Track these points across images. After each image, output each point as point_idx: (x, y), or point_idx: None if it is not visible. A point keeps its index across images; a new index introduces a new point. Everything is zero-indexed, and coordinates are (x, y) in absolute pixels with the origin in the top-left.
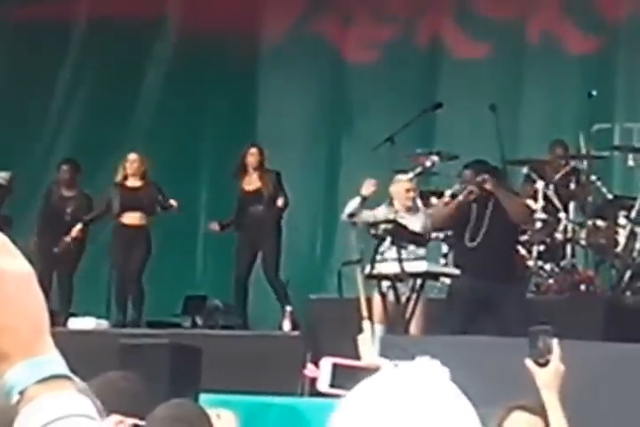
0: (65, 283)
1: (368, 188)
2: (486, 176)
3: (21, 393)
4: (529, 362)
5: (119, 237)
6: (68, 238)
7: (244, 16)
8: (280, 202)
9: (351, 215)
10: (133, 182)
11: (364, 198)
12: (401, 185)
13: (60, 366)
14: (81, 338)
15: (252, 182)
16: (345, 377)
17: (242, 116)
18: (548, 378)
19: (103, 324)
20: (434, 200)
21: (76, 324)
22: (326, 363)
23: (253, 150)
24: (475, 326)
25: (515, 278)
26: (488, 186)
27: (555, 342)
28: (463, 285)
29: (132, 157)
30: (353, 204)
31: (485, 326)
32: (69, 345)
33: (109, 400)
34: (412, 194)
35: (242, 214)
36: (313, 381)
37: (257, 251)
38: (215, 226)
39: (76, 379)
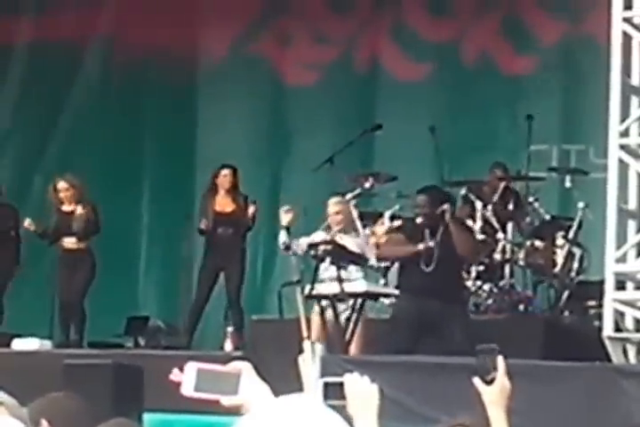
0: None
1: (285, 217)
2: (446, 207)
3: None
4: (476, 380)
5: (62, 260)
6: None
7: (182, 35)
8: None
9: (287, 248)
10: (67, 207)
11: (287, 228)
12: (331, 207)
13: None
14: (24, 359)
15: (223, 204)
16: (209, 381)
17: (182, 136)
18: (494, 395)
19: (47, 344)
20: (379, 227)
21: (19, 345)
22: (191, 367)
23: (226, 171)
24: (418, 346)
25: (461, 299)
26: (446, 217)
27: (500, 359)
28: (408, 306)
29: (61, 185)
30: (281, 237)
31: (429, 347)
32: (13, 366)
33: (54, 420)
34: (339, 217)
35: (210, 235)
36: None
37: (219, 273)
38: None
39: (13, 401)
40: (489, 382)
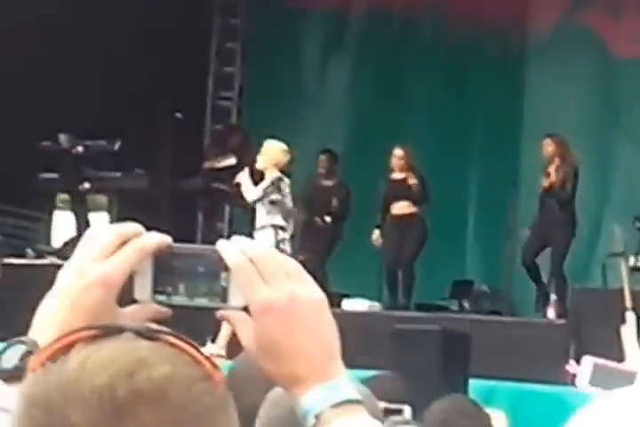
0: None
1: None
2: None
3: (317, 417)
4: None
5: (392, 225)
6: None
7: (512, 9)
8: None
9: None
10: (398, 175)
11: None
12: None
13: (352, 391)
14: (354, 319)
15: (550, 178)
16: (604, 377)
17: (508, 106)
18: None
19: (375, 306)
20: None
21: (349, 305)
22: (588, 362)
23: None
24: None
25: None
26: None
27: None
28: None
29: (397, 152)
30: None
31: None
32: (343, 326)
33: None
34: None
35: (541, 209)
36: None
37: (545, 244)
38: (527, 232)
39: (369, 398)
40: None
